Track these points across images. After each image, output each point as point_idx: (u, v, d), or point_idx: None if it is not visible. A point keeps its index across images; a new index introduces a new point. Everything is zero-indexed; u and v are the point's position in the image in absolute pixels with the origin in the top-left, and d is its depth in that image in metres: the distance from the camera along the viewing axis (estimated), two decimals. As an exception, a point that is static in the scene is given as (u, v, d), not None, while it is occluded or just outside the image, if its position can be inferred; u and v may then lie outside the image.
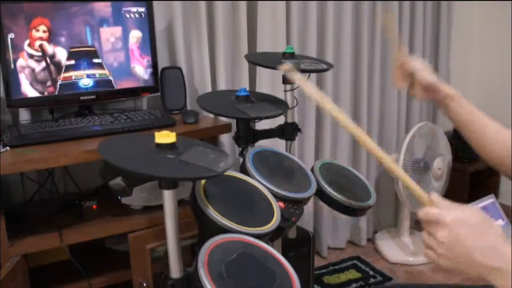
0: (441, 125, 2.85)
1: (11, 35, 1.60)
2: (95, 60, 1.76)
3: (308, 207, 2.39)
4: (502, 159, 1.06)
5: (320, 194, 1.51)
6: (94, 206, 1.72)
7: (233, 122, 1.76)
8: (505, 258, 0.71)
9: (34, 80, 1.66)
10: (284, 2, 2.18)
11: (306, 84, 1.05)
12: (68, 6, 1.68)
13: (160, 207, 1.11)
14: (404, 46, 1.22)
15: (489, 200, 2.78)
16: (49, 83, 1.68)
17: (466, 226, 0.74)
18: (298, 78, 1.08)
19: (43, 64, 1.67)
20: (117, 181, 1.76)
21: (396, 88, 1.18)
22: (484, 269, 0.72)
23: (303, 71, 1.68)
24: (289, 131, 1.71)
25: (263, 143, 1.72)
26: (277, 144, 1.85)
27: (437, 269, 2.43)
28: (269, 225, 1.23)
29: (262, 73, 2.16)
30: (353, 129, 0.94)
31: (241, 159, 1.50)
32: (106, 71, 1.78)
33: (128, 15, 1.79)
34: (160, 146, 1.10)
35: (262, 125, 1.86)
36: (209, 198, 1.19)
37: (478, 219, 0.75)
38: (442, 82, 1.16)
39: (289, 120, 1.70)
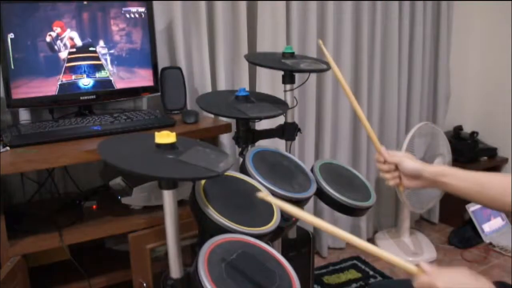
0: (441, 125, 2.86)
1: (11, 35, 1.60)
2: (95, 60, 1.76)
3: (308, 207, 2.39)
4: None
5: (320, 194, 1.51)
6: (94, 206, 1.72)
7: (233, 122, 1.76)
8: None
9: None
10: (284, 2, 2.18)
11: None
12: (68, 5, 1.68)
13: (160, 207, 1.11)
14: (381, 147, 1.25)
15: (489, 200, 2.78)
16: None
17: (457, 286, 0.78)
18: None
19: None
20: (117, 181, 1.76)
21: (392, 185, 1.23)
22: None
23: (303, 71, 1.68)
24: (289, 131, 1.71)
25: (263, 143, 1.72)
26: (277, 144, 1.85)
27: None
28: (269, 225, 1.23)
29: (262, 73, 2.16)
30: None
31: (241, 159, 1.50)
32: (106, 71, 1.78)
33: (128, 15, 1.79)
34: (160, 146, 1.10)
35: (262, 125, 1.86)
36: (209, 198, 1.19)
37: (468, 278, 0.79)
38: (426, 166, 1.18)
39: (289, 120, 1.70)
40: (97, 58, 1.76)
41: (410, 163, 1.19)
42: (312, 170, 1.57)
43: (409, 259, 2.49)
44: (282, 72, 1.68)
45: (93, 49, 1.75)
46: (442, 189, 1.18)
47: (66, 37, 1.70)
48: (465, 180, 1.12)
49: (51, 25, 1.66)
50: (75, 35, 1.71)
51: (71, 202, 1.71)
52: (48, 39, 1.66)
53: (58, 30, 1.68)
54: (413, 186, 1.21)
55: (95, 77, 1.77)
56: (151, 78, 1.87)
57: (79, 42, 1.72)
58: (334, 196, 1.49)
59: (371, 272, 2.38)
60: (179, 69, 1.92)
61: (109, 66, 1.78)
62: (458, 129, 2.93)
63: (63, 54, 1.70)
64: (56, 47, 1.68)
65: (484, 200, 1.10)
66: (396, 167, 1.21)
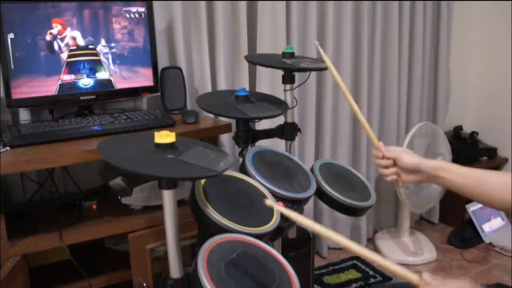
0: (441, 125, 2.86)
1: (11, 35, 1.60)
2: (95, 60, 1.76)
3: (308, 207, 2.39)
4: None
5: (320, 194, 1.51)
6: (94, 206, 1.72)
7: (233, 122, 1.76)
8: None
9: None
10: (284, 2, 2.18)
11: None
12: (68, 5, 1.68)
13: (160, 207, 1.11)
14: (379, 142, 1.27)
15: (489, 200, 2.78)
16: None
17: None
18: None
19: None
20: (117, 181, 1.76)
21: (390, 180, 1.23)
22: None
23: (303, 69, 1.69)
24: (289, 131, 1.71)
25: (263, 143, 1.72)
26: (277, 144, 1.85)
27: (437, 269, 2.43)
28: (269, 225, 1.23)
29: (262, 73, 2.16)
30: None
31: (241, 159, 1.50)
32: (106, 71, 1.78)
33: (128, 15, 1.79)
34: (159, 146, 1.10)
35: (262, 125, 1.86)
36: (209, 198, 1.19)
37: None
38: (424, 160, 1.18)
39: (289, 120, 1.70)
40: (97, 58, 1.76)
41: (408, 157, 1.19)
42: (312, 170, 1.57)
43: (409, 259, 2.49)
44: (282, 72, 1.68)
45: (93, 49, 1.75)
46: (439, 184, 1.18)
47: (66, 38, 1.70)
48: (462, 175, 1.11)
49: (51, 25, 1.66)
50: (75, 35, 1.71)
51: (71, 202, 1.72)
52: (48, 39, 1.66)
53: (58, 30, 1.68)
54: (412, 180, 1.21)
55: (95, 77, 1.77)
56: (151, 78, 1.87)
57: (79, 43, 1.72)
58: (334, 196, 1.49)
59: (371, 272, 2.38)
60: (179, 69, 1.92)
61: (109, 66, 1.78)
62: (458, 129, 2.93)
63: (63, 54, 1.70)
64: (56, 47, 1.68)
65: (480, 197, 1.09)
66: (394, 162, 1.21)
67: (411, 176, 1.20)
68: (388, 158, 1.22)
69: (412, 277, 0.85)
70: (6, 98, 1.63)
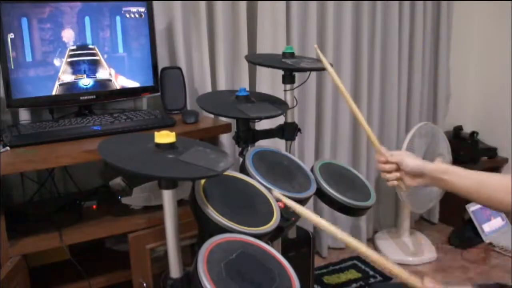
0: (441, 125, 2.86)
1: (11, 35, 1.60)
2: (95, 60, 1.76)
3: (308, 207, 2.39)
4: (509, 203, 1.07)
5: (320, 194, 1.51)
6: (94, 206, 1.72)
7: (233, 122, 1.76)
8: None
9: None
10: (284, 2, 2.18)
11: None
12: (68, 6, 1.68)
13: (160, 207, 1.11)
14: (381, 147, 1.27)
15: (489, 200, 2.78)
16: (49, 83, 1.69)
17: None
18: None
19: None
20: (117, 181, 1.76)
21: (392, 185, 1.24)
22: None
23: (303, 69, 1.69)
24: (289, 131, 1.71)
25: (263, 143, 1.72)
26: (277, 144, 1.85)
27: (437, 269, 2.43)
28: (269, 225, 1.23)
29: (262, 73, 2.16)
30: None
31: (241, 159, 1.50)
32: (106, 71, 1.78)
33: (128, 15, 1.79)
34: (160, 146, 1.10)
35: (262, 125, 1.86)
36: (209, 198, 1.19)
37: None
38: (427, 163, 1.18)
39: (289, 120, 1.70)
40: (97, 58, 1.76)
41: (412, 161, 1.19)
42: (312, 170, 1.57)
43: (409, 259, 2.48)
44: (282, 72, 1.69)
45: (93, 49, 1.75)
46: (442, 187, 1.19)
47: (66, 37, 1.70)
48: (465, 177, 1.12)
49: (51, 25, 1.66)
50: (75, 35, 1.71)
51: (71, 202, 1.71)
52: (48, 38, 1.66)
53: (58, 30, 1.68)
54: (415, 184, 1.21)
55: (95, 77, 1.77)
56: (151, 78, 1.87)
57: (79, 42, 1.72)
58: (334, 196, 1.49)
59: (371, 272, 2.38)
60: (179, 69, 1.92)
61: (109, 66, 1.78)
62: (458, 129, 2.93)
63: (63, 54, 1.70)
64: (56, 47, 1.68)
65: (481, 198, 1.10)
66: (397, 167, 1.21)
67: (414, 179, 1.20)
68: (392, 163, 1.22)
69: (414, 281, 0.85)
70: (6, 98, 1.63)
